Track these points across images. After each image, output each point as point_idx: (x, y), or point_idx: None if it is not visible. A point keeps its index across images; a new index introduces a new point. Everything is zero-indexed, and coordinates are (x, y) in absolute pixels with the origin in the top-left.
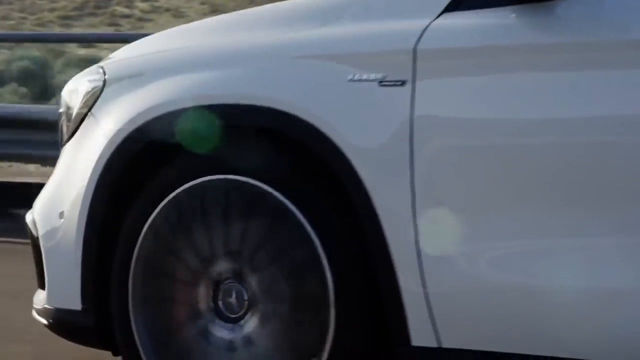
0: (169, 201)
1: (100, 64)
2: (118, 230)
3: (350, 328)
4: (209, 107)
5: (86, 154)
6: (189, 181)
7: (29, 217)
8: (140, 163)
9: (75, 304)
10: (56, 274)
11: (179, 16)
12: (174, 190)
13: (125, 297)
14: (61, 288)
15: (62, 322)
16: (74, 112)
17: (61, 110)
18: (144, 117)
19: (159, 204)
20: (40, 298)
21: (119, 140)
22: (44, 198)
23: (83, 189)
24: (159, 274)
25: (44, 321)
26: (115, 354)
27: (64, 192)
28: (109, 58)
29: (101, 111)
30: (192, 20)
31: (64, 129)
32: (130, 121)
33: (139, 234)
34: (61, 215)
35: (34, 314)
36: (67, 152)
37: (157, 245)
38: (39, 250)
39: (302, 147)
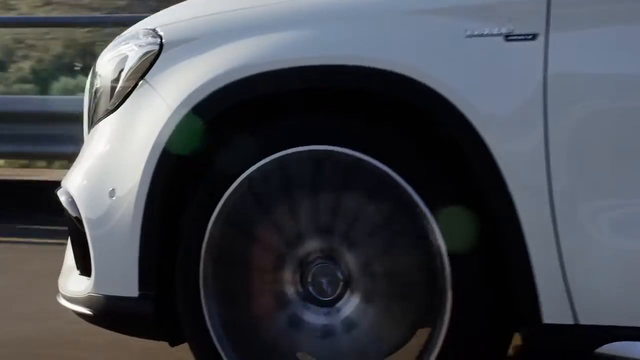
0: (246, 177)
1: (147, 27)
2: (183, 209)
3: (468, 305)
4: (298, 69)
5: (143, 126)
6: (272, 153)
7: (62, 196)
8: (211, 134)
9: (131, 290)
10: (107, 258)
11: None
12: (253, 164)
13: (194, 283)
14: (113, 273)
15: (112, 311)
16: (121, 80)
17: (97, 83)
18: (216, 84)
19: (235, 180)
20: (74, 284)
21: (185, 110)
22: (83, 174)
23: (142, 164)
24: (234, 259)
25: (84, 310)
26: (173, 344)
27: (113, 167)
28: (149, 23)
29: (159, 78)
30: None
31: (102, 100)
32: (200, 89)
33: (210, 213)
34: (112, 193)
35: (63, 301)
36: (112, 124)
37: (232, 226)
38: (79, 231)
39: (412, 113)
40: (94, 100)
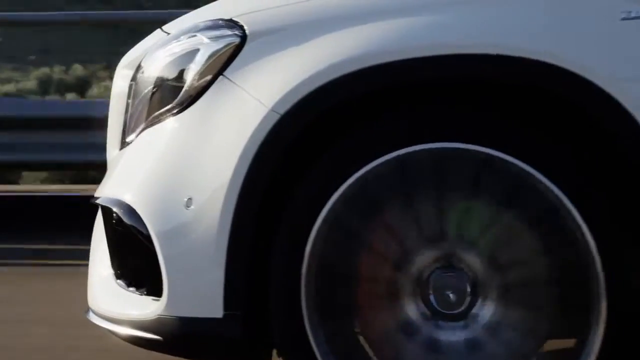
0: (357, 179)
1: (219, 18)
2: (278, 219)
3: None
4: (423, 60)
5: (227, 127)
6: (389, 152)
7: (115, 207)
8: (314, 134)
9: (214, 311)
10: (184, 275)
11: None
12: (365, 165)
13: (296, 304)
14: (191, 293)
15: (189, 334)
16: (190, 78)
17: (139, 84)
18: (323, 78)
19: (343, 183)
20: (123, 304)
21: (284, 108)
22: (143, 183)
23: (229, 169)
24: (345, 274)
25: (147, 335)
26: None
27: (187, 173)
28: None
29: (243, 74)
30: None
31: (154, 102)
32: (303, 84)
33: (313, 222)
34: (188, 203)
35: (101, 322)
36: (181, 126)
37: (340, 235)
38: (142, 247)
39: (557, 105)
40: (132, 103)
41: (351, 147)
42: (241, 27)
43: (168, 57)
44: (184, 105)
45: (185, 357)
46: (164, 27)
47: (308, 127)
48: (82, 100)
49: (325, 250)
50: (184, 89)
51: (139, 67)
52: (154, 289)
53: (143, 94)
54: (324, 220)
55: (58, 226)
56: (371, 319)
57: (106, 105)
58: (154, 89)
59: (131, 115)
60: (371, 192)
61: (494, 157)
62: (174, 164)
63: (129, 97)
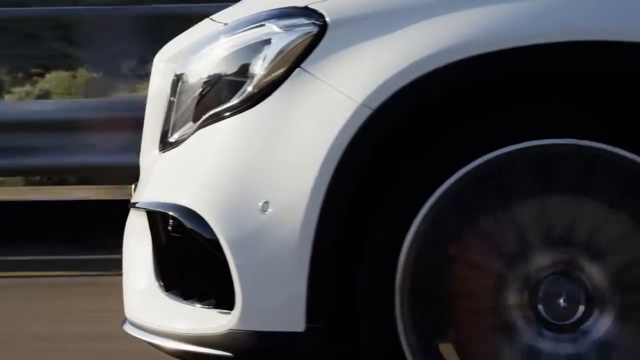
0: (463, 176)
1: (292, 5)
2: (370, 225)
3: None
4: (533, 48)
5: (308, 124)
6: (494, 149)
7: (172, 212)
8: (408, 130)
9: (294, 324)
10: (260, 285)
11: None
12: (474, 160)
13: (389, 317)
14: (268, 305)
15: (266, 350)
16: (259, 71)
17: (201, 77)
18: (421, 69)
19: (441, 184)
20: (180, 318)
21: (376, 103)
22: (210, 184)
23: (312, 171)
24: (441, 283)
25: (217, 352)
26: None
27: (260, 175)
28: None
29: (324, 66)
30: None
31: (209, 98)
32: (396, 76)
33: (407, 228)
34: (264, 207)
35: (154, 339)
36: (250, 124)
37: (441, 242)
38: (203, 254)
39: None
40: (179, 100)
41: (458, 142)
42: (320, 15)
43: (228, 50)
44: (253, 101)
45: None
46: (214, 17)
47: (402, 122)
48: None
49: (421, 260)
50: (252, 84)
51: (186, 61)
52: (220, 302)
53: (193, 90)
54: (419, 227)
55: None
56: (470, 328)
57: None
58: (210, 85)
59: (177, 114)
60: (478, 190)
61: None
62: (245, 165)
63: (172, 95)
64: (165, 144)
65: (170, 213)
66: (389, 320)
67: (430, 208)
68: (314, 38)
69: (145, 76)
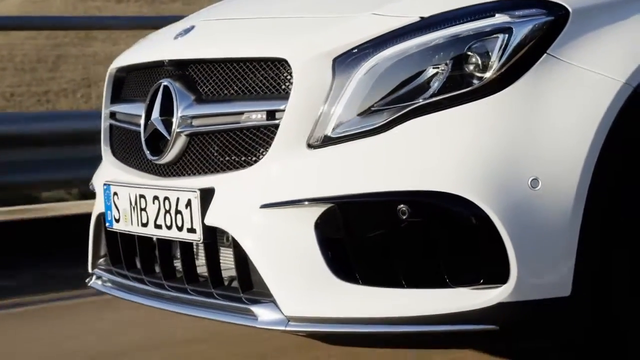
0: None
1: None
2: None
3: None
4: None
5: (568, 106)
6: None
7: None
8: None
9: (561, 290)
10: (532, 257)
11: None
12: None
13: None
14: (539, 274)
15: (532, 317)
16: (497, 59)
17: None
18: None
19: None
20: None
21: (637, 82)
22: (472, 166)
23: (583, 150)
24: None
25: (475, 327)
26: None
27: (529, 155)
28: None
29: (572, 50)
30: None
31: (420, 85)
32: None
33: None
34: (534, 183)
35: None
36: (498, 109)
37: None
38: (466, 232)
39: None
40: (340, 94)
41: None
42: (559, 5)
43: (443, 40)
44: (496, 86)
45: (519, 343)
46: (377, 12)
47: None
48: None
49: None
50: (490, 70)
51: (366, 53)
52: (491, 277)
53: (379, 84)
54: None
55: None
56: None
57: None
58: (416, 76)
59: (336, 110)
60: None
61: None
62: (509, 145)
63: (331, 89)
64: (325, 140)
65: (420, 199)
66: None
67: None
68: (555, 26)
69: None
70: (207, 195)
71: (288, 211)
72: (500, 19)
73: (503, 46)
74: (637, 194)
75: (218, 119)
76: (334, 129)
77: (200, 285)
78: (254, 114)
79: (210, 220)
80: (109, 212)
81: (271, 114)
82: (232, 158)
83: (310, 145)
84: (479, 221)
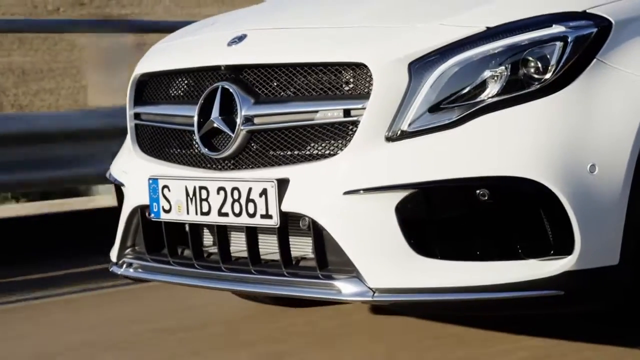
0: None
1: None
2: None
3: None
4: None
5: (614, 103)
6: None
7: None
8: None
9: (612, 259)
10: (591, 231)
11: None
12: None
13: None
14: (597, 245)
15: (591, 282)
16: (555, 63)
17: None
18: None
19: None
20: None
21: None
22: (542, 155)
23: (629, 143)
24: None
25: (541, 293)
26: None
27: (588, 145)
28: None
29: (615, 57)
30: None
31: (489, 86)
32: None
33: None
34: (592, 168)
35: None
36: (559, 106)
37: None
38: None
39: None
40: (416, 93)
41: None
42: (601, 18)
43: (509, 47)
44: (555, 87)
45: (579, 306)
46: (445, 23)
47: None
48: None
49: None
50: (550, 72)
51: (428, 61)
52: (559, 250)
53: (450, 85)
54: None
55: None
56: None
57: None
58: (484, 78)
59: (411, 108)
60: None
61: None
62: (572, 137)
63: (407, 90)
64: (402, 134)
65: (496, 183)
66: None
67: None
68: (602, 35)
69: None
70: (282, 185)
71: (369, 197)
72: (557, 29)
73: (560, 52)
74: None
75: (287, 117)
76: (410, 124)
77: (262, 265)
78: (329, 112)
79: (287, 207)
80: (154, 204)
81: (347, 112)
82: (305, 152)
83: (388, 139)
84: (548, 201)
